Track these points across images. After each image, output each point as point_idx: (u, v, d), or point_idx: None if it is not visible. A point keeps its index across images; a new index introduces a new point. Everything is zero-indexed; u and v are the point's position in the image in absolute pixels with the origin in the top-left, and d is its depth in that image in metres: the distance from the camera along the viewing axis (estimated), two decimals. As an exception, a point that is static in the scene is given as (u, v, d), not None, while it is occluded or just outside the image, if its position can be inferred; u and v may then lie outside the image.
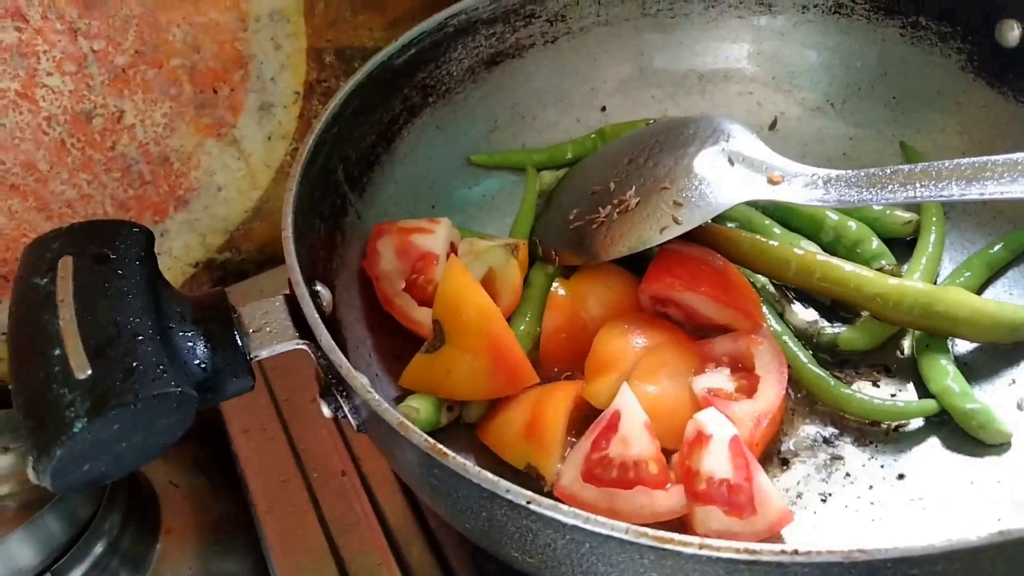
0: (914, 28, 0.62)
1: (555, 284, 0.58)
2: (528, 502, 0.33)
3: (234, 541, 0.69)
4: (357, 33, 0.74)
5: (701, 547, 0.31)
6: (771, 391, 0.50)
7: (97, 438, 0.33)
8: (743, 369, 0.52)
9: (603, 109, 0.70)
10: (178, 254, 0.77)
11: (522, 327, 0.57)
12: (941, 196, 0.48)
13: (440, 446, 0.35)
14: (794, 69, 0.67)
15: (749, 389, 0.51)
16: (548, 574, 0.37)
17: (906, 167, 0.51)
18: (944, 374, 0.51)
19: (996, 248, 0.57)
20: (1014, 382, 0.52)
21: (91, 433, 0.33)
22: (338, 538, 0.57)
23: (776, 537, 0.46)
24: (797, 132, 0.67)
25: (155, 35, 0.67)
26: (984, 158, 0.48)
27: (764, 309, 0.55)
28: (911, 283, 0.53)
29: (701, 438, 0.47)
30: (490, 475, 0.34)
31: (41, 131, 0.67)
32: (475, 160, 0.67)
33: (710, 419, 0.47)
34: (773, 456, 0.51)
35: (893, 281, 0.53)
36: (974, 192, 0.47)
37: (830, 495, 0.49)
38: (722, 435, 0.46)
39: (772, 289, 0.58)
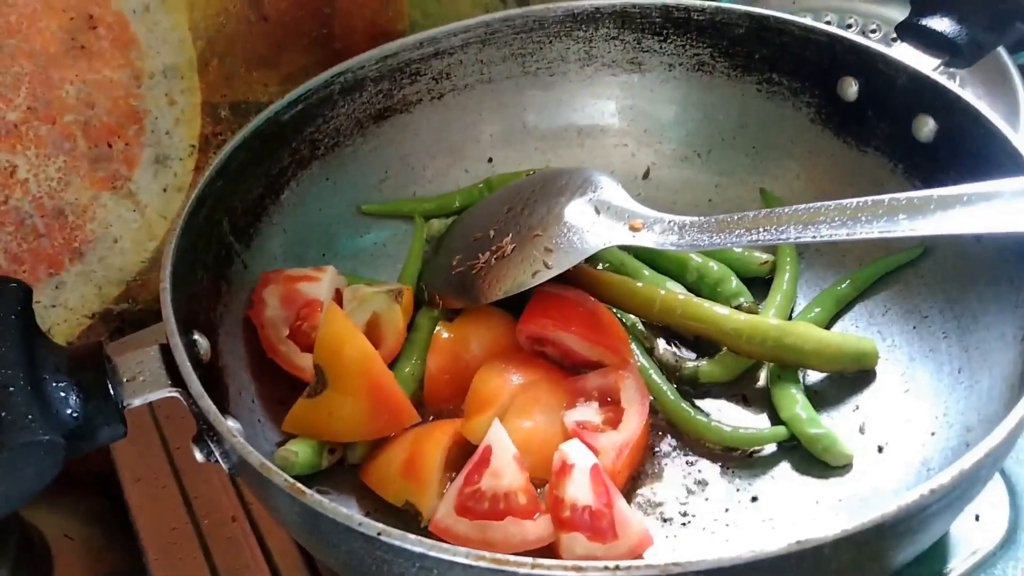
0: (769, 84, 0.68)
1: (438, 327, 0.61)
2: (378, 533, 0.35)
3: (129, 592, 0.69)
4: (252, 88, 0.76)
5: (533, 567, 0.33)
6: (633, 422, 0.53)
7: (-40, 486, 0.35)
8: (611, 403, 0.56)
9: (490, 160, 0.74)
10: (74, 306, 0.77)
11: (407, 369, 0.60)
12: (780, 239, 0.53)
13: (298, 485, 0.37)
14: (664, 122, 0.72)
15: (615, 421, 0.54)
16: (408, 603, 0.39)
17: (751, 213, 0.56)
18: (794, 402, 0.55)
19: (843, 285, 0.62)
20: (857, 408, 0.57)
21: (-46, 481, 0.34)
22: (227, 583, 0.58)
23: (638, 559, 0.49)
24: (668, 180, 0.72)
25: (48, 92, 0.68)
26: (818, 204, 0.53)
27: (632, 346, 0.59)
28: (763, 319, 0.57)
29: (565, 467, 0.50)
30: (343, 510, 0.36)
31: (-70, 186, 0.67)
32: (366, 209, 0.70)
33: (573, 450, 0.50)
34: (642, 482, 0.54)
35: (746, 317, 0.57)
36: (808, 235, 0.52)
37: (693, 517, 0.53)
38: (583, 464, 0.49)
39: (641, 327, 0.62)
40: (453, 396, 0.59)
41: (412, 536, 0.35)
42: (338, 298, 0.60)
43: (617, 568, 0.33)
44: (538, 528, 0.49)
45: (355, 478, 0.56)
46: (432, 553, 0.34)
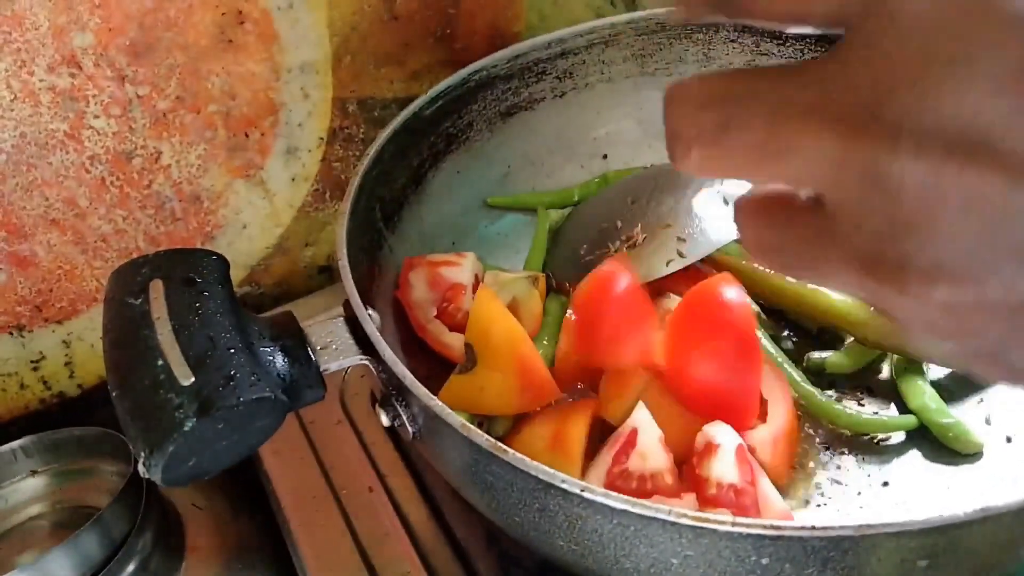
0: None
1: (568, 311, 0.64)
2: (582, 490, 0.38)
3: (255, 559, 0.72)
4: (378, 84, 0.80)
5: (734, 524, 0.36)
6: (780, 412, 0.56)
7: (203, 436, 0.38)
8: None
9: (604, 157, 0.77)
10: (201, 288, 0.81)
11: (539, 351, 0.63)
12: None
13: (500, 444, 0.40)
14: (778, 123, 0.74)
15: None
16: (590, 560, 0.42)
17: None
18: (921, 392, 0.57)
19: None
20: (982, 400, 0.59)
21: (199, 432, 0.38)
22: (369, 549, 0.61)
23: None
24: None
25: (195, 83, 0.72)
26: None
27: (760, 335, 0.62)
28: (890, 312, 0.59)
29: (710, 448, 0.52)
30: (546, 468, 0.39)
31: (84, 169, 0.71)
32: (492, 202, 0.73)
33: (718, 431, 0.53)
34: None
35: (875, 309, 0.59)
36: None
37: (829, 500, 0.55)
38: (729, 444, 0.52)
39: (765, 317, 0.64)
40: (581, 376, 0.62)
41: (615, 493, 0.38)
42: (478, 283, 0.64)
43: (813, 528, 0.36)
44: (684, 506, 0.52)
45: (496, 452, 0.58)
46: (634, 510, 0.37)
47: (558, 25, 0.75)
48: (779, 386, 0.59)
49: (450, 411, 0.42)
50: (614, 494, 0.38)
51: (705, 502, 0.52)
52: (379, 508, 0.63)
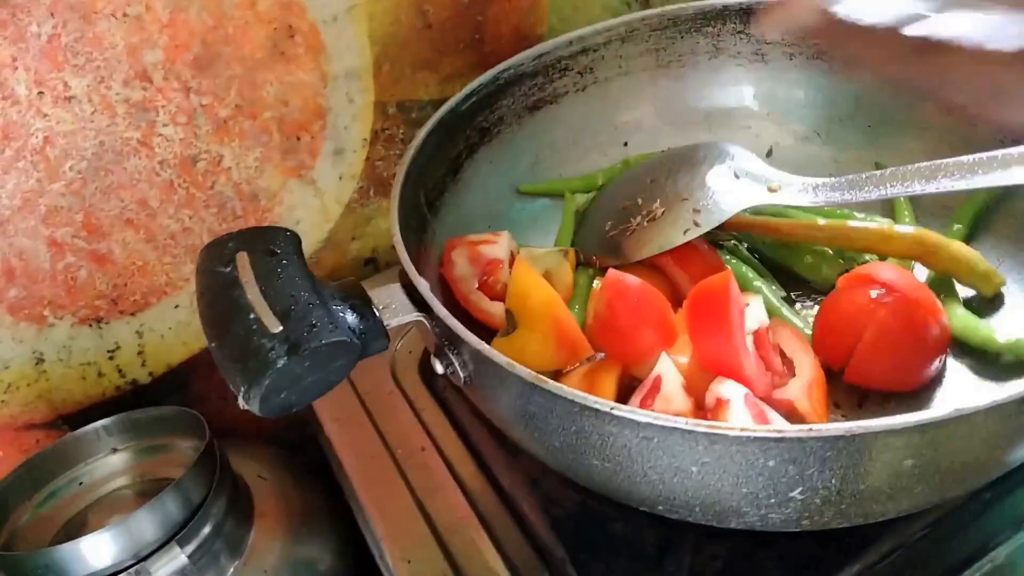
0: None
1: (596, 282, 0.70)
2: (611, 408, 0.45)
3: (318, 526, 0.79)
4: (415, 88, 0.88)
5: (743, 430, 0.43)
6: (806, 364, 0.62)
7: (293, 373, 0.45)
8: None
9: (625, 144, 0.83)
10: (260, 280, 0.89)
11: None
12: (907, 191, 0.61)
13: (540, 376, 0.47)
14: (786, 106, 0.81)
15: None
16: (621, 475, 0.48)
17: (878, 172, 0.64)
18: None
19: (955, 227, 0.70)
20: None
21: (289, 369, 0.45)
22: (425, 499, 0.68)
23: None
24: (790, 158, 0.80)
25: (252, 92, 0.80)
26: (937, 161, 0.62)
27: (775, 300, 0.68)
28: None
29: (720, 403, 0.57)
30: (579, 391, 0.46)
31: (155, 173, 0.79)
32: (523, 189, 0.80)
33: (723, 387, 0.58)
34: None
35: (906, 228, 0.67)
36: (932, 187, 0.60)
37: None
38: (737, 395, 0.57)
39: (776, 286, 0.71)
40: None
41: (639, 409, 0.44)
42: (513, 259, 0.71)
43: (811, 429, 0.42)
44: (707, 441, 0.58)
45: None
46: (657, 422, 0.44)
47: (578, 26, 0.82)
48: (798, 343, 0.64)
49: (497, 352, 0.49)
50: (639, 410, 0.44)
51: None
52: (431, 465, 0.70)
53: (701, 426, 0.43)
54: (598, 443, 0.47)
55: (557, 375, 0.65)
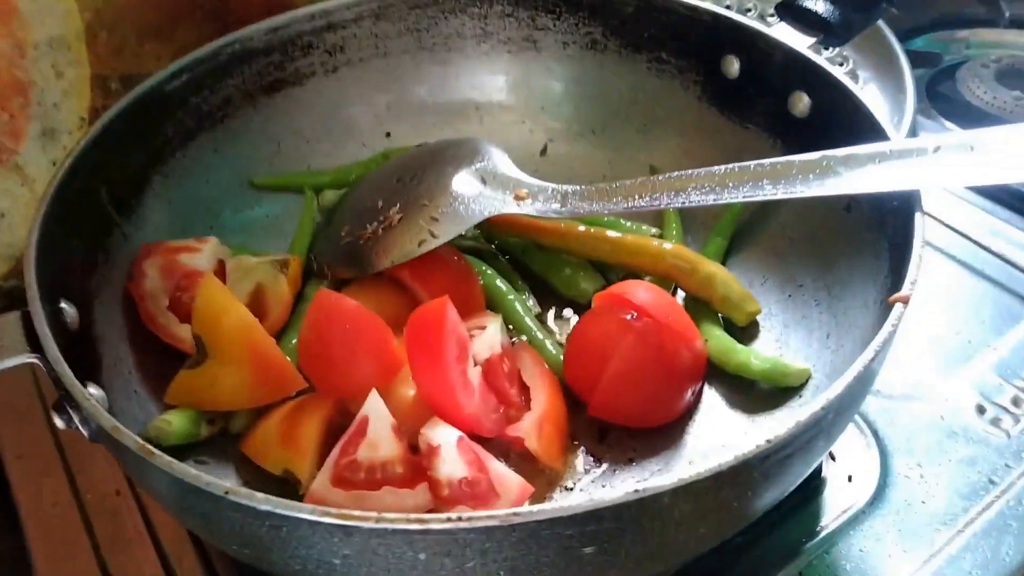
0: (658, 62, 0.69)
1: (323, 289, 0.60)
2: (225, 492, 0.35)
3: (13, 568, 0.67)
4: (143, 61, 0.75)
5: (378, 521, 0.34)
6: (541, 397, 0.55)
7: None
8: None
9: (388, 135, 0.74)
10: (-39, 282, 0.75)
11: (294, 341, 0.60)
12: (654, 204, 0.55)
13: (147, 445, 0.37)
14: (560, 100, 0.73)
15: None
16: (265, 562, 0.39)
17: (628, 181, 0.57)
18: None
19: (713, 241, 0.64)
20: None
21: None
22: (109, 558, 0.57)
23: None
24: (564, 157, 0.73)
25: (-80, 60, 0.66)
26: (689, 171, 0.55)
27: (527, 320, 0.60)
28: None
29: (431, 449, 0.50)
30: (191, 470, 0.36)
31: None
32: (257, 182, 0.69)
33: (435, 431, 0.50)
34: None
35: (674, 246, 0.60)
36: (679, 200, 0.54)
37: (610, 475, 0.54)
38: (448, 441, 0.49)
39: (532, 303, 0.63)
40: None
41: (259, 495, 0.35)
42: (222, 270, 0.60)
43: (460, 519, 0.34)
44: (416, 497, 0.50)
45: (237, 449, 0.55)
46: (279, 510, 0.35)
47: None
48: (538, 370, 0.57)
49: (103, 412, 0.39)
50: (257, 494, 0.35)
51: (443, 502, 0.50)
52: (124, 513, 0.59)
53: (330, 515, 0.34)
54: (227, 528, 0.38)
55: (262, 412, 0.55)
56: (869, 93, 0.82)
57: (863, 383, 0.41)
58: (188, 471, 0.36)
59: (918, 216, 0.47)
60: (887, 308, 0.45)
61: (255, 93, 0.68)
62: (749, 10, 0.89)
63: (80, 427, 0.43)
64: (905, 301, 0.43)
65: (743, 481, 0.38)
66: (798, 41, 0.61)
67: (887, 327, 0.41)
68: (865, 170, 0.50)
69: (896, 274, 0.48)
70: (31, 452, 0.64)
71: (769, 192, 0.51)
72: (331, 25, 0.69)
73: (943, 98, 0.90)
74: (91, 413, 0.39)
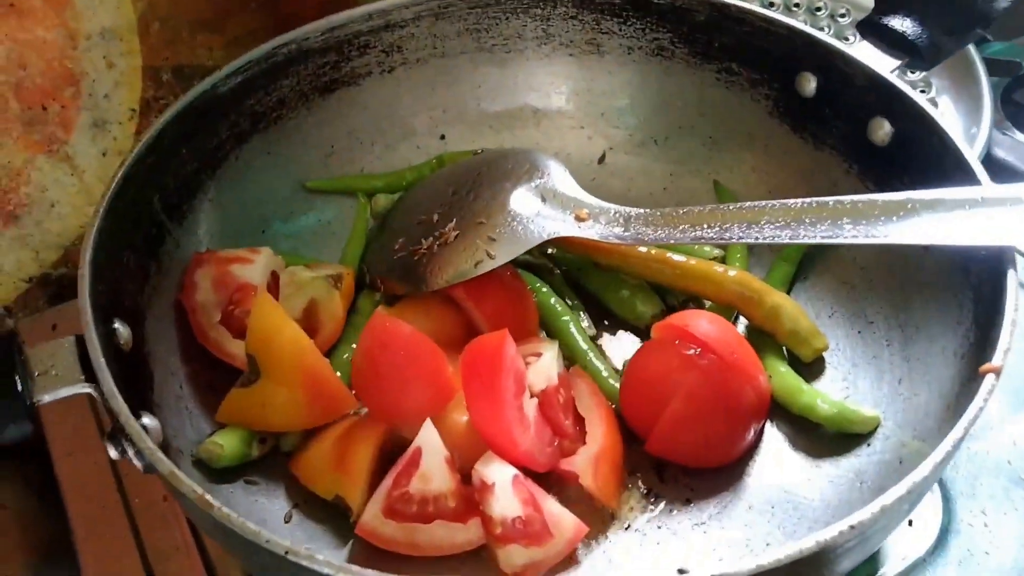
0: (728, 73, 0.66)
1: (378, 311, 0.59)
2: (286, 552, 0.34)
3: (60, 564, 0.68)
4: (195, 52, 0.73)
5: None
6: (597, 433, 0.53)
7: None
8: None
9: (442, 137, 0.71)
10: (10, 270, 0.75)
11: (346, 355, 0.59)
12: (724, 238, 0.52)
13: (207, 497, 0.36)
14: (621, 107, 0.70)
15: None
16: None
17: (696, 208, 0.55)
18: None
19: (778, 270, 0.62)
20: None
21: None
22: (156, 566, 0.57)
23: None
24: (623, 167, 0.70)
25: (-28, 50, 0.65)
26: (763, 203, 0.53)
27: (583, 345, 0.59)
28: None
29: (485, 487, 0.49)
30: (251, 526, 0.35)
31: None
32: (310, 186, 0.67)
33: (489, 468, 0.49)
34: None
35: (737, 273, 0.58)
36: (752, 236, 0.51)
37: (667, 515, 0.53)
38: (502, 479, 0.48)
39: (586, 324, 0.61)
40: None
41: (320, 557, 0.34)
42: (275, 282, 0.59)
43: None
44: (468, 532, 0.49)
45: (286, 467, 0.54)
46: (301, 562, 0.34)
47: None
48: (594, 401, 0.55)
49: (160, 455, 0.38)
50: (319, 558, 0.34)
51: (496, 540, 0.49)
52: (171, 520, 0.59)
53: (344, 572, 0.33)
54: (273, 566, 0.37)
55: (313, 431, 0.54)
56: (943, 105, 0.78)
57: (950, 459, 0.39)
58: (248, 527, 0.35)
59: (1011, 277, 0.44)
60: (971, 366, 0.43)
61: (310, 94, 0.66)
62: (819, 9, 0.85)
63: (133, 459, 0.42)
64: (997, 372, 0.41)
65: (821, 561, 0.36)
66: (881, 63, 0.58)
67: (978, 400, 0.39)
68: (952, 216, 0.47)
69: (980, 329, 0.46)
70: (79, 449, 0.64)
71: (848, 235, 0.49)
72: (389, 25, 0.67)
73: (1020, 108, 0.86)
74: (146, 454, 0.38)
